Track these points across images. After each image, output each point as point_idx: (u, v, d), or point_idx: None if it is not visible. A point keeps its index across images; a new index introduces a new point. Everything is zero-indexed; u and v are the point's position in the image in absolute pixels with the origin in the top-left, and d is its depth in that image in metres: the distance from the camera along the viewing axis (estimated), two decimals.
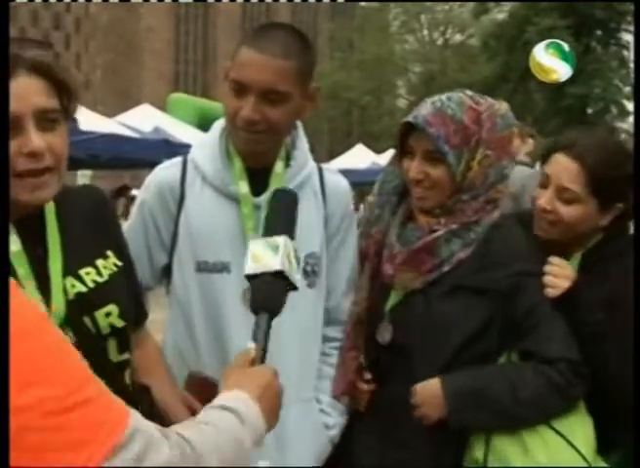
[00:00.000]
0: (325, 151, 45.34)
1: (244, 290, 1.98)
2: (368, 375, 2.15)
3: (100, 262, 1.69)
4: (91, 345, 1.57)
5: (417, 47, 49.93)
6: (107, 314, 1.64)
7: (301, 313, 2.05)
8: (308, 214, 2.06)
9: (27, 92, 1.48)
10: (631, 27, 28.23)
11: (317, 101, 2.06)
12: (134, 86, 53.63)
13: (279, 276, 1.50)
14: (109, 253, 1.73)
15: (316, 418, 2.11)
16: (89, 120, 10.38)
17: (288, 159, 2.10)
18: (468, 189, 2.06)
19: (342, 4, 47.44)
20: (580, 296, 2.06)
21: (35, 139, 1.47)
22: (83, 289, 1.62)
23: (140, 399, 1.71)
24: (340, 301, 2.19)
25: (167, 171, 2.12)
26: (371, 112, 46.05)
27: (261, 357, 1.48)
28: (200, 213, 2.04)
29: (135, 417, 1.04)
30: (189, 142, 10.88)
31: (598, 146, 2.14)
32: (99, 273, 1.67)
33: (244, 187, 2.03)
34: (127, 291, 1.73)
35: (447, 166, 2.02)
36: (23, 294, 1.03)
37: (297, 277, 1.55)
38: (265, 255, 1.52)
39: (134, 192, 13.34)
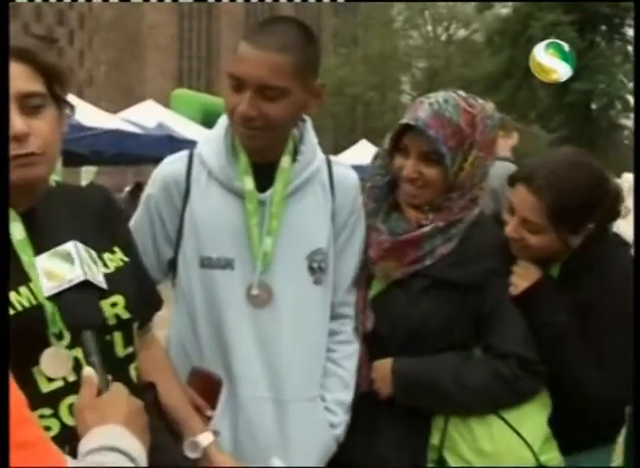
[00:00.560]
0: (329, 147, 45.24)
1: (247, 287, 1.99)
2: None
3: (106, 256, 1.68)
4: (96, 337, 1.56)
5: (420, 42, 49.84)
6: (113, 304, 1.62)
7: (308, 311, 2.05)
8: (315, 209, 2.07)
9: (10, 77, 1.47)
10: None
11: (322, 98, 2.01)
12: (137, 82, 53.62)
13: (85, 285, 1.38)
14: (116, 248, 1.73)
15: (321, 417, 2.08)
16: (92, 116, 10.40)
17: (296, 153, 2.07)
18: (458, 188, 2.13)
19: None
20: (544, 299, 2.12)
21: (17, 123, 1.48)
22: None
23: (145, 396, 1.67)
24: (347, 296, 2.16)
25: (173, 165, 2.10)
26: (375, 108, 45.95)
27: (102, 376, 1.34)
28: (205, 208, 2.03)
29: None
30: (193, 138, 10.90)
31: (556, 179, 2.09)
32: (105, 265, 1.66)
33: (249, 183, 2.01)
34: (134, 287, 1.71)
35: (442, 167, 2.08)
36: None
37: (100, 279, 1.44)
38: (61, 269, 1.39)
39: None
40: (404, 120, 2.11)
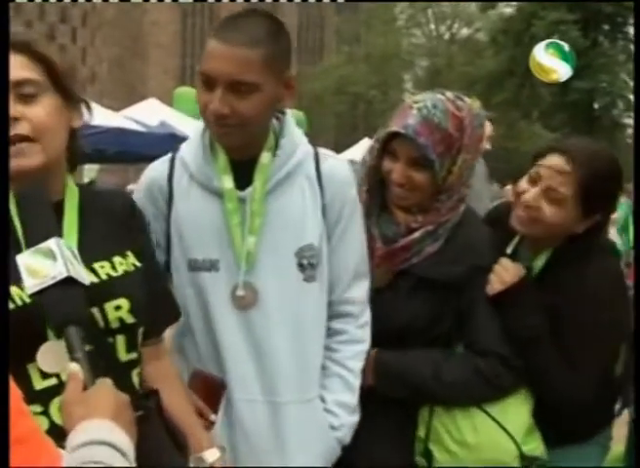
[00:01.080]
0: (331, 145, 45.29)
1: (233, 288, 1.96)
2: None
3: (116, 259, 1.68)
4: (98, 340, 1.57)
5: (423, 41, 49.84)
6: (117, 307, 1.61)
7: (299, 309, 2.00)
8: (301, 204, 2.00)
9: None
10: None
11: (295, 89, 1.97)
12: (140, 80, 53.61)
13: (68, 282, 1.36)
14: (129, 253, 1.72)
15: (319, 419, 2.02)
16: (95, 114, 10.38)
17: (277, 148, 2.02)
18: (446, 191, 2.14)
19: None
20: (522, 301, 2.14)
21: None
22: (95, 279, 1.60)
23: (148, 404, 1.66)
24: (348, 292, 2.08)
25: (156, 169, 2.08)
26: (377, 106, 45.88)
27: (88, 372, 1.32)
28: (187, 210, 2.00)
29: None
30: None
31: (594, 155, 2.17)
32: (113, 268, 1.66)
33: (227, 182, 1.97)
34: (144, 293, 1.70)
35: (430, 171, 2.09)
36: None
37: (83, 275, 1.42)
38: (44, 266, 1.36)
39: None
40: (393, 128, 2.11)
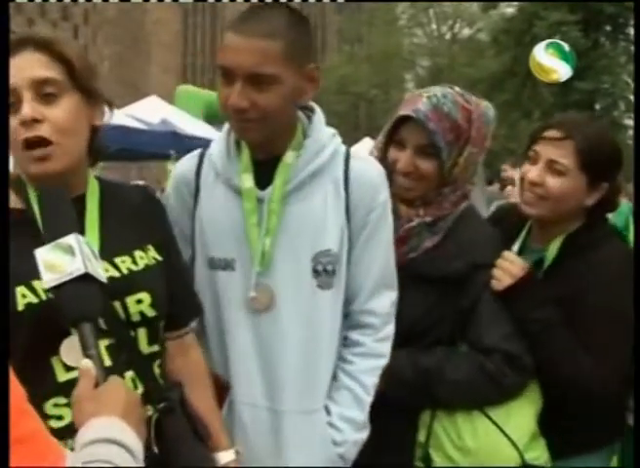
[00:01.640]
0: None
1: (247, 289, 1.92)
2: None
3: (137, 253, 1.69)
4: (120, 333, 1.59)
5: (425, 41, 49.71)
6: (138, 301, 1.63)
7: (311, 317, 1.92)
8: (323, 207, 1.92)
9: (26, 65, 1.53)
10: None
11: (318, 82, 1.90)
12: (141, 78, 53.56)
13: (85, 278, 1.36)
14: (150, 246, 1.73)
15: (320, 432, 1.93)
16: None
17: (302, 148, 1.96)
18: (451, 183, 2.14)
19: None
20: (530, 294, 2.12)
21: (26, 108, 1.50)
22: (116, 274, 1.62)
23: (171, 395, 1.69)
24: (369, 303, 1.97)
25: (184, 164, 2.06)
26: (378, 106, 45.82)
27: (101, 369, 1.33)
28: (210, 207, 1.97)
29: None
30: (197, 134, 10.89)
31: (587, 125, 2.23)
32: (134, 262, 1.67)
33: (247, 181, 1.92)
34: (165, 286, 1.71)
35: (438, 160, 2.09)
36: None
37: (101, 273, 1.42)
38: (62, 261, 1.36)
39: None
40: (403, 112, 2.11)
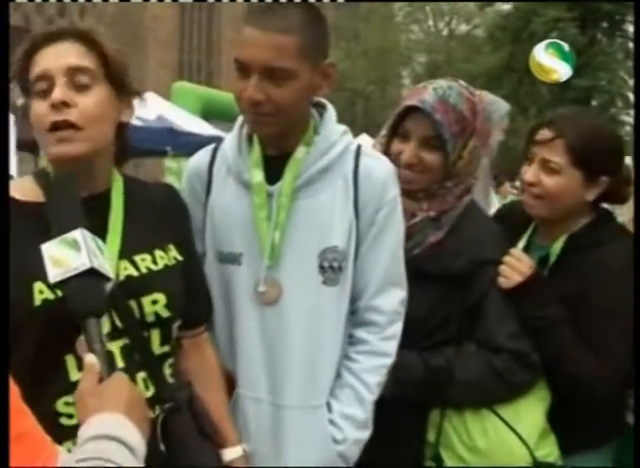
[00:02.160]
0: None
1: (255, 283, 1.92)
2: None
3: (157, 252, 1.69)
4: (134, 333, 1.60)
5: (422, 37, 49.76)
6: (154, 302, 1.63)
7: (315, 313, 1.92)
8: (331, 203, 1.93)
9: (63, 53, 1.57)
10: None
11: (333, 78, 1.92)
12: (138, 74, 53.50)
13: (91, 273, 1.36)
14: (171, 246, 1.74)
15: (321, 429, 1.92)
16: None
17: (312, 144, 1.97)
18: (454, 177, 2.12)
19: None
20: (537, 292, 2.11)
21: (57, 91, 1.53)
22: (135, 273, 1.63)
23: (179, 395, 1.69)
24: (373, 300, 1.96)
25: (198, 157, 2.08)
26: (375, 102, 45.89)
27: (106, 364, 1.33)
28: (221, 201, 1.99)
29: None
30: (193, 131, 10.88)
31: (577, 120, 2.22)
32: (154, 262, 1.67)
33: (257, 175, 1.93)
34: (183, 286, 1.71)
35: (442, 153, 2.08)
36: None
37: (107, 267, 1.42)
38: (68, 256, 1.36)
39: None
40: (409, 102, 2.10)
